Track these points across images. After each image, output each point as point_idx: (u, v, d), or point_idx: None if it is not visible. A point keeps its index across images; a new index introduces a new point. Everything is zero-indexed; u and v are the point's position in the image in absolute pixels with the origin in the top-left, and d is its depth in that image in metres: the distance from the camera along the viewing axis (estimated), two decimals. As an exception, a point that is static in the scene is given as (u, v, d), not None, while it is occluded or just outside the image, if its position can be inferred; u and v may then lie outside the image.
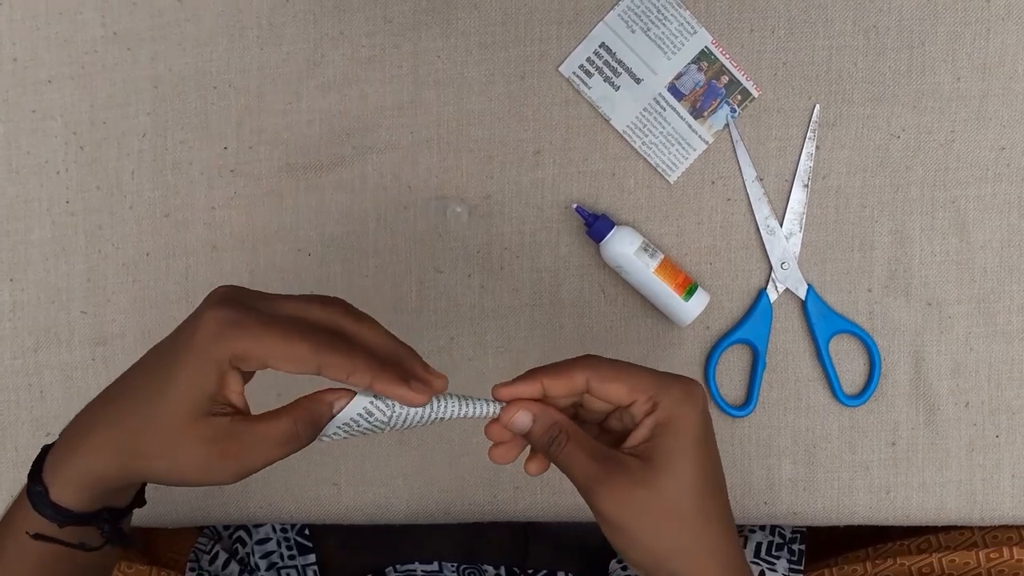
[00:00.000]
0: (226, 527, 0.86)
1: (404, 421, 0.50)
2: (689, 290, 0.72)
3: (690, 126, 0.73)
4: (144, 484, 0.56)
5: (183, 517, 0.77)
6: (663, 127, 0.73)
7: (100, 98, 0.75)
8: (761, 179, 0.73)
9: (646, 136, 0.73)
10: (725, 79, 0.73)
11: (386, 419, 0.50)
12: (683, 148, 0.73)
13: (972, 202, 0.73)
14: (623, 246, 0.71)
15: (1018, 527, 0.76)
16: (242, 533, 0.85)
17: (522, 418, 0.51)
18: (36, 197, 0.75)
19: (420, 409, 0.50)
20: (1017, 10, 0.71)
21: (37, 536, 0.51)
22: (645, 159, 0.73)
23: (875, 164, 0.73)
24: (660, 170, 0.74)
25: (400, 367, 0.49)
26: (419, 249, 0.75)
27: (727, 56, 0.72)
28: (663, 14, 0.72)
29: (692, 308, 0.72)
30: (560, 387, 0.51)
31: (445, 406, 0.51)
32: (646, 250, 0.71)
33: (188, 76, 0.74)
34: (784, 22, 0.72)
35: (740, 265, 0.74)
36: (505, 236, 0.74)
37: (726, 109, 0.73)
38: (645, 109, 0.73)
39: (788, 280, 0.73)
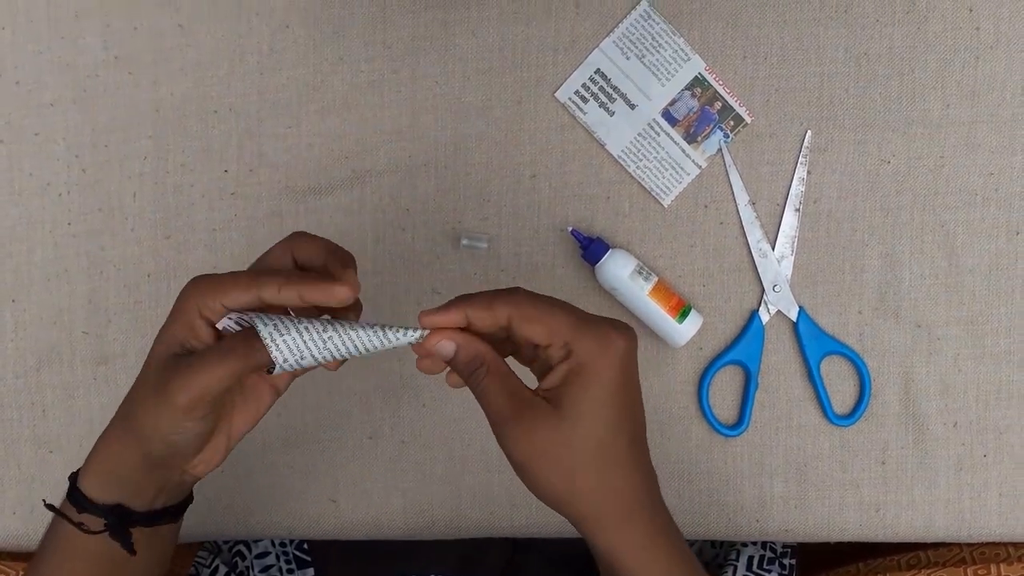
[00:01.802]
0: (225, 541, 0.87)
1: (326, 343, 0.51)
2: (683, 312, 0.73)
3: (684, 151, 0.74)
4: (173, 512, 0.59)
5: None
6: (657, 152, 0.74)
7: (102, 121, 0.76)
8: (753, 203, 0.74)
9: (640, 160, 0.74)
10: (718, 105, 0.74)
11: (301, 338, 0.51)
12: (677, 172, 0.74)
13: (961, 226, 0.74)
14: (617, 269, 0.72)
15: (1005, 544, 0.77)
16: (241, 547, 0.86)
17: (445, 346, 0.52)
18: (38, 219, 0.76)
19: (345, 334, 0.51)
20: (1006, 38, 0.73)
21: (48, 506, 0.58)
22: (639, 183, 0.75)
23: (866, 189, 0.74)
24: (654, 194, 0.75)
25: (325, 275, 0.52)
26: (417, 271, 0.76)
27: (720, 82, 0.74)
28: (657, 41, 0.73)
29: (686, 330, 0.73)
30: (483, 320, 0.51)
31: (371, 333, 0.51)
32: (640, 273, 0.72)
33: (189, 100, 0.75)
34: (776, 49, 0.73)
35: (733, 287, 0.75)
36: (502, 258, 0.76)
37: (719, 134, 0.74)
38: (639, 134, 0.74)
39: (780, 302, 0.75)
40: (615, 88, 0.74)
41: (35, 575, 0.59)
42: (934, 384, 0.75)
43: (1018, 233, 0.74)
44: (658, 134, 0.74)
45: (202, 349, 0.52)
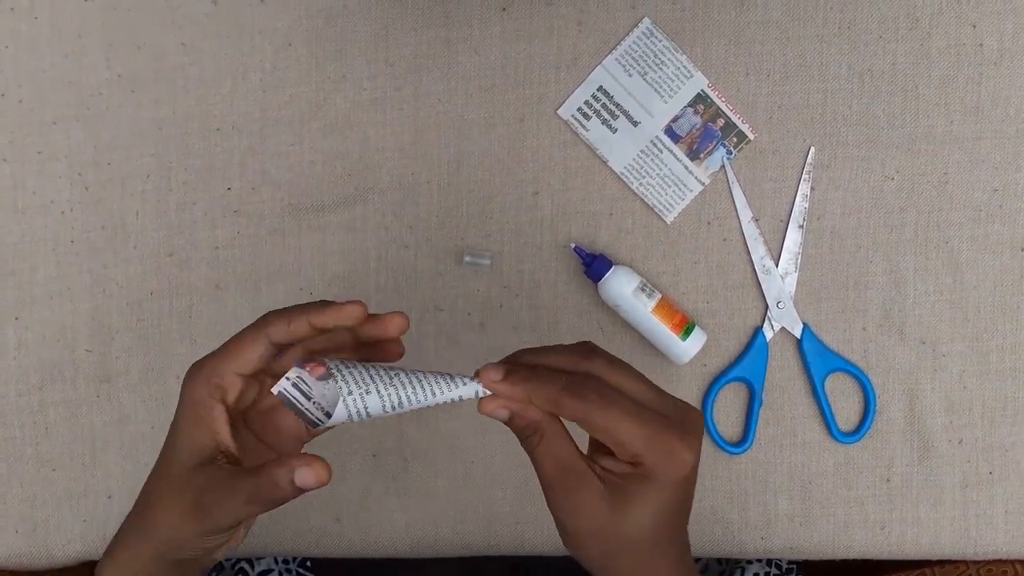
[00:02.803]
0: (228, 558, 0.86)
1: (386, 398, 0.49)
2: (686, 329, 0.72)
3: (687, 168, 0.74)
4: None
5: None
6: (660, 168, 0.74)
7: (105, 139, 0.76)
8: (757, 220, 0.74)
9: (643, 177, 0.74)
10: (721, 122, 0.74)
11: (360, 387, 0.49)
12: (680, 189, 0.74)
13: (965, 243, 0.74)
14: (621, 286, 0.72)
15: (1012, 561, 0.77)
16: (244, 564, 0.86)
17: (500, 413, 0.51)
18: (41, 237, 0.76)
19: (401, 385, 0.49)
20: (1009, 54, 0.73)
21: None
22: (642, 200, 0.74)
23: (869, 205, 0.74)
24: (657, 211, 0.75)
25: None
26: (420, 288, 0.76)
27: (723, 99, 0.73)
28: (660, 58, 0.73)
29: (689, 347, 0.73)
30: (548, 408, 0.50)
31: (427, 382, 0.50)
32: (643, 290, 0.72)
33: (192, 118, 0.75)
34: (779, 66, 0.73)
35: (736, 304, 0.75)
36: (504, 275, 0.75)
37: (722, 151, 0.74)
38: (642, 151, 0.74)
39: (784, 319, 0.74)
40: (617, 105, 0.74)
41: None
42: (939, 401, 0.75)
43: (1023, 249, 0.74)
44: (661, 151, 0.74)
45: (233, 474, 0.50)
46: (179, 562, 0.53)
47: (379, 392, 0.49)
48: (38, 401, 0.77)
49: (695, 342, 0.73)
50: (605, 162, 0.74)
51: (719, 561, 0.87)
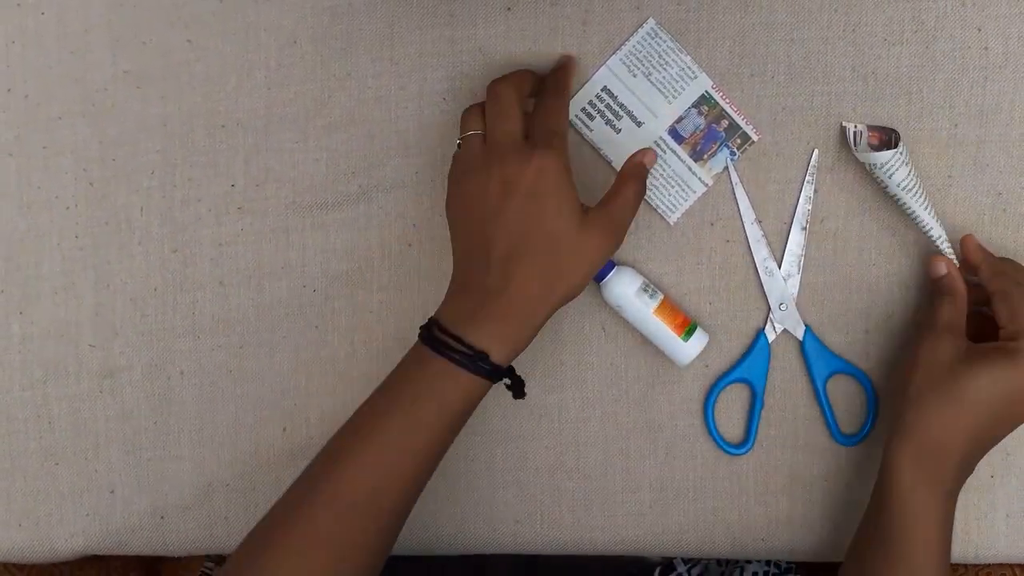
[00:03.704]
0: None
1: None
2: (688, 331, 0.73)
3: (690, 168, 0.74)
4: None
5: (189, 546, 0.79)
6: (663, 169, 0.74)
7: (110, 135, 0.76)
8: (760, 221, 0.74)
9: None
10: (725, 123, 0.74)
11: None
12: (683, 190, 0.74)
13: (968, 246, 0.74)
14: (623, 287, 0.72)
15: (1012, 565, 0.77)
16: (245, 560, 0.86)
17: (939, 266, 0.70)
18: (46, 232, 0.77)
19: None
20: (1014, 58, 0.72)
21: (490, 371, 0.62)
22: (646, 200, 0.75)
23: (873, 208, 0.74)
24: (660, 211, 0.75)
25: None
26: (423, 285, 0.76)
27: (727, 100, 0.73)
28: (664, 59, 0.73)
29: (691, 349, 0.73)
30: (976, 262, 0.70)
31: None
32: (646, 291, 0.72)
33: (197, 115, 0.76)
34: (784, 68, 0.73)
35: (739, 305, 0.75)
36: (507, 274, 0.75)
37: (726, 152, 0.74)
38: (646, 151, 0.74)
39: (786, 321, 0.74)
40: (621, 105, 0.74)
41: (390, 417, 0.62)
42: (941, 404, 0.75)
43: (1026, 253, 0.74)
44: (664, 152, 0.74)
45: (608, 197, 0.66)
46: None
47: None
48: (42, 396, 0.77)
49: (697, 343, 0.73)
50: (609, 162, 0.74)
51: (719, 562, 0.87)
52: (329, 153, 0.76)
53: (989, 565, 0.77)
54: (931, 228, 0.71)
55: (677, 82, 0.73)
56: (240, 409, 0.77)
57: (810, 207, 0.74)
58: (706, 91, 0.73)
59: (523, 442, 0.77)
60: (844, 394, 0.75)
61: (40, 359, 0.77)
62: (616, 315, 0.75)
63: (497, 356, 0.61)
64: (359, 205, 0.76)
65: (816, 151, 0.74)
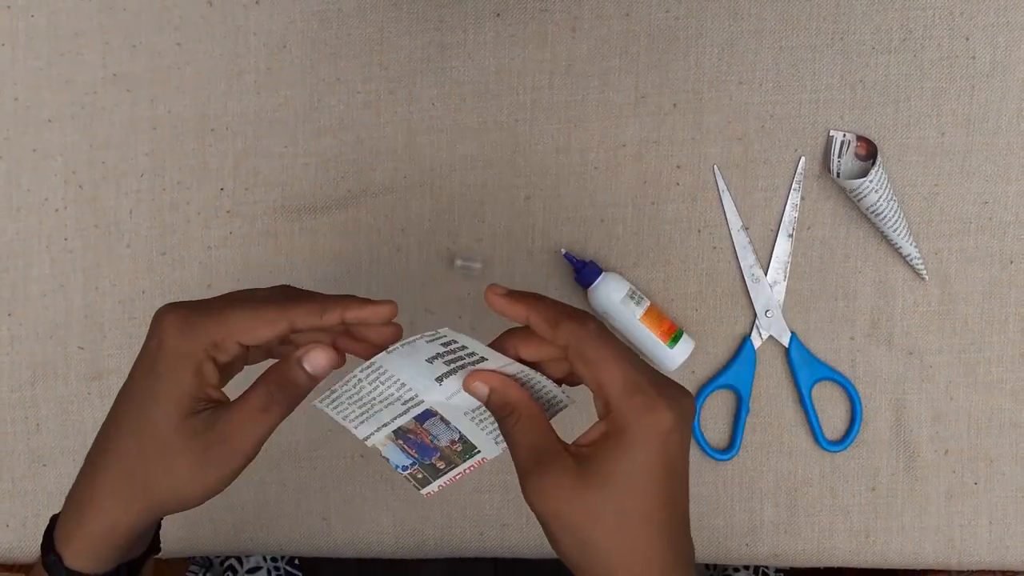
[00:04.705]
0: (217, 556, 0.87)
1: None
2: (674, 337, 0.73)
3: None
4: (157, 529, 0.56)
5: (175, 548, 0.79)
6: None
7: (100, 138, 0.76)
8: (747, 228, 0.75)
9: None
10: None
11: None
12: (671, 197, 0.74)
13: (955, 254, 0.74)
14: (610, 293, 0.72)
15: (995, 571, 0.77)
16: (233, 562, 0.86)
17: (479, 388, 0.51)
18: (35, 234, 0.77)
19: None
20: (1001, 67, 0.73)
21: None
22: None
23: (859, 215, 0.74)
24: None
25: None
26: (411, 290, 0.76)
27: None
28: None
29: (677, 355, 0.73)
30: (542, 331, 0.49)
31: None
32: (632, 297, 0.73)
33: (186, 118, 0.76)
34: (772, 75, 0.74)
35: (725, 312, 0.75)
36: (496, 279, 0.76)
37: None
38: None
39: (772, 327, 0.75)
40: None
41: None
42: (926, 411, 0.75)
43: (1012, 262, 0.74)
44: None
45: (238, 404, 0.49)
46: (163, 516, 0.52)
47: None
48: (30, 397, 0.78)
49: (683, 350, 0.73)
50: (596, 168, 0.75)
51: (706, 566, 0.88)
52: (318, 157, 0.76)
53: (973, 572, 0.77)
54: (901, 247, 0.71)
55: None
56: (228, 412, 0.77)
57: (796, 214, 0.74)
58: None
59: (510, 446, 0.77)
60: (829, 400, 0.76)
61: (29, 361, 0.77)
62: (604, 320, 0.75)
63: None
64: (348, 209, 0.76)
65: (803, 158, 0.74)
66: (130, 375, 0.52)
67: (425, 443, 0.53)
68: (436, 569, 0.83)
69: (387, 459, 0.53)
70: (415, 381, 0.50)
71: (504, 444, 0.51)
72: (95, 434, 0.77)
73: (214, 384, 0.50)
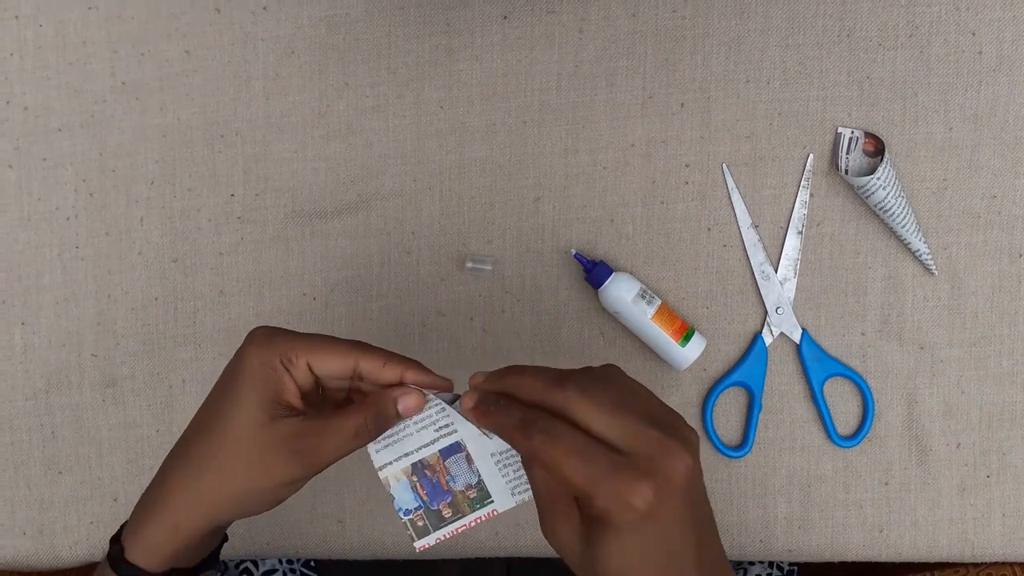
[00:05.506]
0: (232, 559, 0.87)
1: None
2: (686, 335, 0.73)
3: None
4: (219, 545, 0.58)
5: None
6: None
7: (109, 146, 0.76)
8: (756, 226, 0.75)
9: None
10: (720, 130, 0.72)
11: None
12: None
13: (964, 249, 0.74)
14: (621, 292, 0.73)
15: (1009, 564, 0.78)
16: (249, 565, 0.86)
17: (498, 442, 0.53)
18: (47, 243, 0.77)
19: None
20: (1008, 61, 0.73)
21: None
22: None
23: (868, 211, 0.74)
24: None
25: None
26: (422, 293, 0.76)
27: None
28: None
29: (689, 353, 0.73)
30: (505, 441, 0.51)
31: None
32: (643, 296, 0.73)
33: (196, 125, 0.76)
34: (779, 73, 0.74)
35: (736, 310, 0.75)
36: (506, 281, 0.76)
37: (722, 159, 0.73)
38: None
39: (783, 324, 0.75)
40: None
41: None
42: (937, 405, 0.75)
43: (1021, 255, 0.74)
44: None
45: (336, 420, 0.52)
46: (220, 526, 0.55)
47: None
48: (45, 405, 0.78)
49: (695, 348, 0.73)
50: (605, 168, 0.75)
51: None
52: (328, 162, 0.76)
53: (986, 564, 0.78)
54: (910, 243, 0.72)
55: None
56: (242, 417, 0.77)
57: (806, 211, 0.74)
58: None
59: (523, 447, 0.77)
60: (841, 396, 0.76)
61: (43, 369, 0.78)
62: (614, 320, 0.75)
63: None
64: (358, 213, 0.76)
65: (811, 156, 0.74)
66: (217, 383, 0.54)
67: (440, 484, 0.54)
68: (450, 569, 0.83)
69: (392, 498, 0.54)
70: (454, 410, 0.53)
71: (519, 498, 0.53)
72: (110, 441, 0.78)
73: (294, 392, 0.52)
